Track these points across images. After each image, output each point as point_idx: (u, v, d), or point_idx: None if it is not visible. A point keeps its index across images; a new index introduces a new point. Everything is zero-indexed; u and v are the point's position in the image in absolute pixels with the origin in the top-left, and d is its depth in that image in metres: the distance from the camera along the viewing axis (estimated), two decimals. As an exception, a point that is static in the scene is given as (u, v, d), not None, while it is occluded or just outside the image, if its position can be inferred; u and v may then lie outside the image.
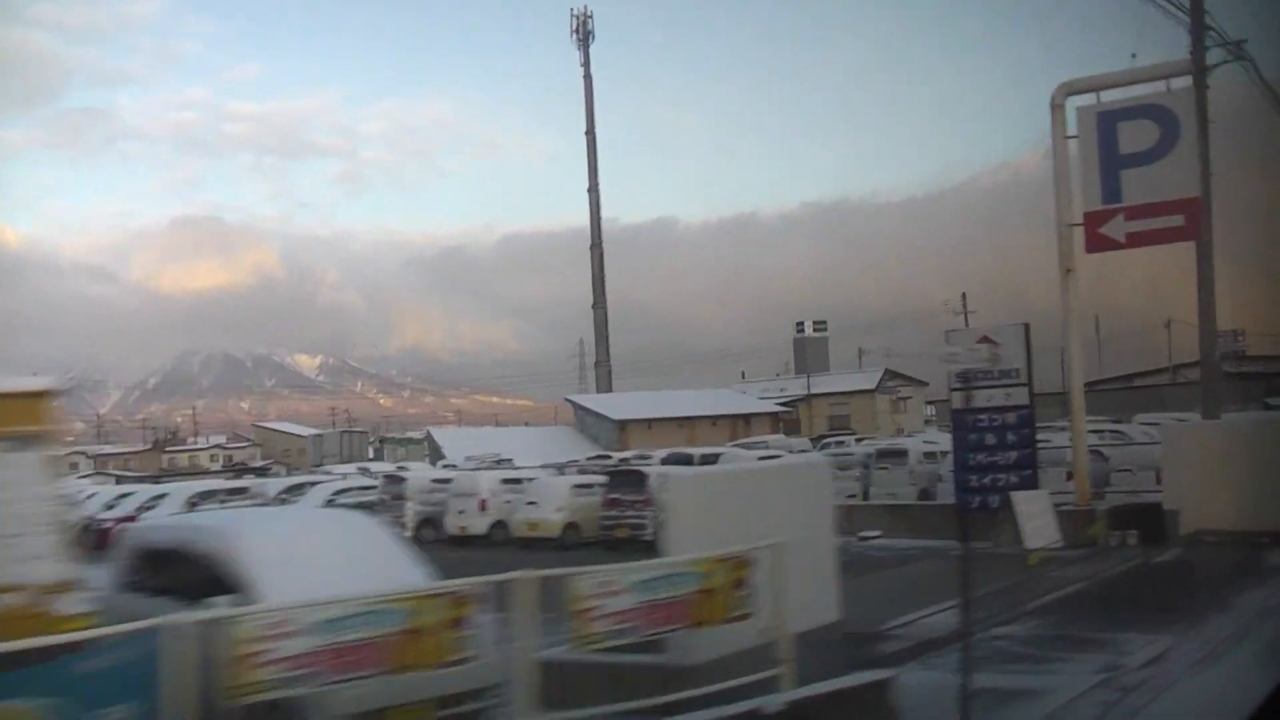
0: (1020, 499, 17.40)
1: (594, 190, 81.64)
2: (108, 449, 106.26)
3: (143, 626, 5.35)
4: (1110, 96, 20.25)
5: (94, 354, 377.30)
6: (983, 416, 20.22)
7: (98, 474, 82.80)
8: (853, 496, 27.95)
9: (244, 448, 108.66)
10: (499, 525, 25.98)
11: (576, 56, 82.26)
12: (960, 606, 8.27)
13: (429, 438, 74.55)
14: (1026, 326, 20.38)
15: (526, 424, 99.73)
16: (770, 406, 70.57)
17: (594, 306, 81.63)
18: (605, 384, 79.40)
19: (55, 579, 7.57)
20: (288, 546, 8.02)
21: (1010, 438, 20.06)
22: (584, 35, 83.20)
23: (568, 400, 73.46)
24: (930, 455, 28.44)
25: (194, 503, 28.45)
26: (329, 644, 5.67)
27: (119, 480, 65.50)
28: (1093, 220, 19.96)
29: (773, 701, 6.60)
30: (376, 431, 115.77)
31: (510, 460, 42.93)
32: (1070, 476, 21.36)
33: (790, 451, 37.16)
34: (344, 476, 37.44)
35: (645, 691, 7.19)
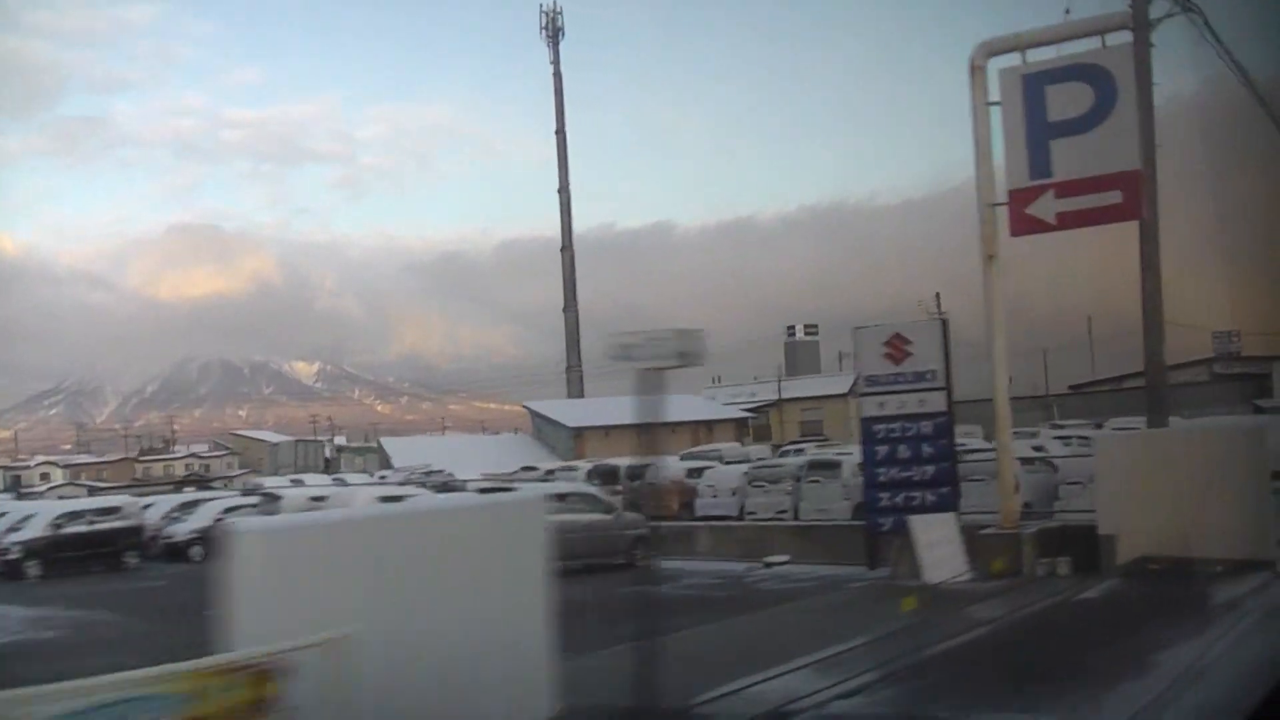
0: (919, 524, 14.81)
1: (564, 191, 79.74)
2: (84, 459, 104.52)
3: None
4: (1039, 56, 17.56)
5: (91, 361, 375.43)
6: (894, 425, 17.61)
7: (70, 484, 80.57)
8: (784, 513, 25.79)
9: (221, 456, 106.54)
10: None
11: (546, 54, 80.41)
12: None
13: (379, 447, 72.07)
14: (944, 323, 17.77)
15: (484, 430, 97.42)
16: (735, 413, 67.76)
17: (565, 310, 79.72)
18: (577, 389, 77.09)
19: None
20: None
21: (926, 450, 17.41)
22: (553, 32, 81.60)
23: (524, 406, 70.83)
24: (870, 467, 25.80)
25: (58, 525, 26.07)
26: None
27: (91, 492, 63.08)
28: (1018, 199, 17.21)
29: None
30: (368, 439, 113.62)
31: (442, 471, 40.42)
32: (1019, 488, 18.61)
33: (747, 460, 34.59)
34: (257, 491, 34.94)
35: None
